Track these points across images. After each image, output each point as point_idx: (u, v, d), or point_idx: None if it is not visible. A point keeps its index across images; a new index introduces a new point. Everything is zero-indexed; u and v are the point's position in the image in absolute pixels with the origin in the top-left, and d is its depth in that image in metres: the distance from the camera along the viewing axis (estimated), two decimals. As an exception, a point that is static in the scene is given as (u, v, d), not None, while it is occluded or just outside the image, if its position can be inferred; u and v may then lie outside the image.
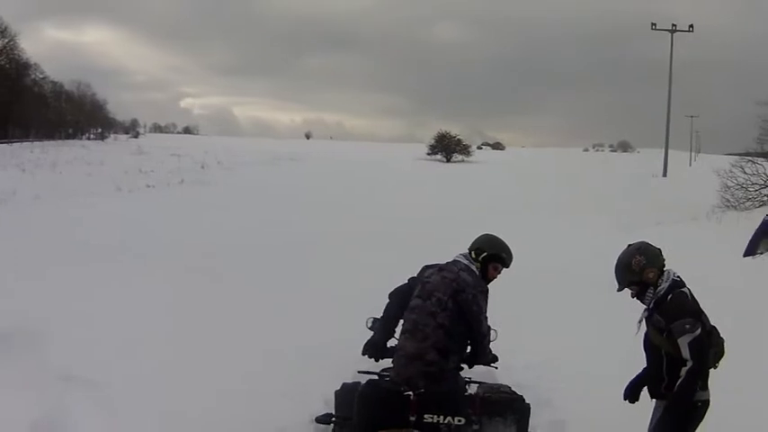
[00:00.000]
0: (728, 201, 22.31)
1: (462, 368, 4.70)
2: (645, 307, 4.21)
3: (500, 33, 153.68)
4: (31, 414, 5.28)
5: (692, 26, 53.20)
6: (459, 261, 4.64)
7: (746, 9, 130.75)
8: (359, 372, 5.05)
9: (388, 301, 4.76)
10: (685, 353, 3.85)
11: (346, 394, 4.98)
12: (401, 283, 4.78)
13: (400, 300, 4.64)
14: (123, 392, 6.01)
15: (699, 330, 3.90)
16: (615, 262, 4.29)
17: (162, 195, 27.04)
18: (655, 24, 53.09)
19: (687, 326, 3.89)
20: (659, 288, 4.12)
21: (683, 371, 3.86)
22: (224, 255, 14.23)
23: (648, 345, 4.16)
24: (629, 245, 4.29)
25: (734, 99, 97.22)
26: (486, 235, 4.87)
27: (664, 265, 4.18)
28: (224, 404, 6.06)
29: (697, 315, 3.99)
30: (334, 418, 5.09)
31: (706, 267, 10.33)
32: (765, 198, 21.99)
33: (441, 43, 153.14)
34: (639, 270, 4.14)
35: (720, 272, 10.09)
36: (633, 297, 4.25)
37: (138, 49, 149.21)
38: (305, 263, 13.65)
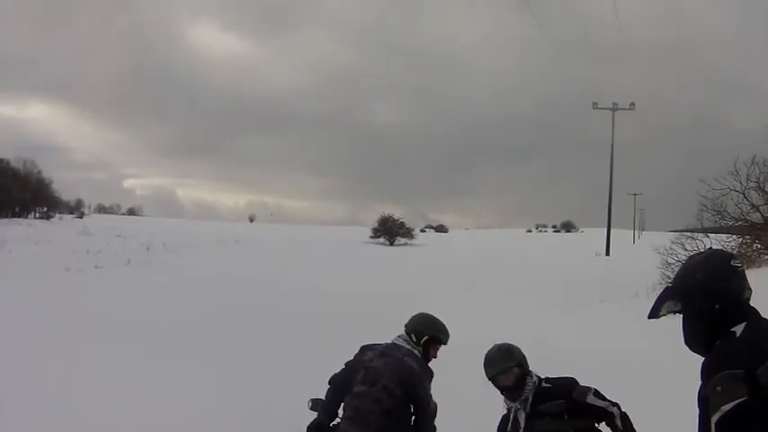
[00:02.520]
0: (669, 277, 20.95)
1: None
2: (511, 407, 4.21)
3: (439, 115, 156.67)
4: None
5: (633, 104, 53.29)
6: (401, 346, 4.61)
7: (687, 85, 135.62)
8: None
9: (328, 386, 4.76)
10: (602, 404, 3.99)
11: None
12: (339, 370, 4.76)
13: (340, 385, 4.63)
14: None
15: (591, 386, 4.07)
16: (486, 356, 4.27)
17: (110, 276, 27.67)
18: (596, 103, 53.29)
19: (583, 388, 4.05)
20: (533, 379, 4.19)
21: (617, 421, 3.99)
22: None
23: None
24: (494, 345, 4.35)
25: (677, 176, 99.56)
26: (423, 315, 4.83)
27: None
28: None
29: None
30: None
31: (639, 339, 11.55)
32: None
33: (379, 125, 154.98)
34: (521, 357, 4.23)
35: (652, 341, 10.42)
36: (503, 389, 4.21)
37: (81, 127, 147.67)
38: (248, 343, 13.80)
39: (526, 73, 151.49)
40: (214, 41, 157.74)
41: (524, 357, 4.24)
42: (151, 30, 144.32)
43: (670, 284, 2.76)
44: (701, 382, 2.45)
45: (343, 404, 4.58)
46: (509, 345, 4.29)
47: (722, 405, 2.28)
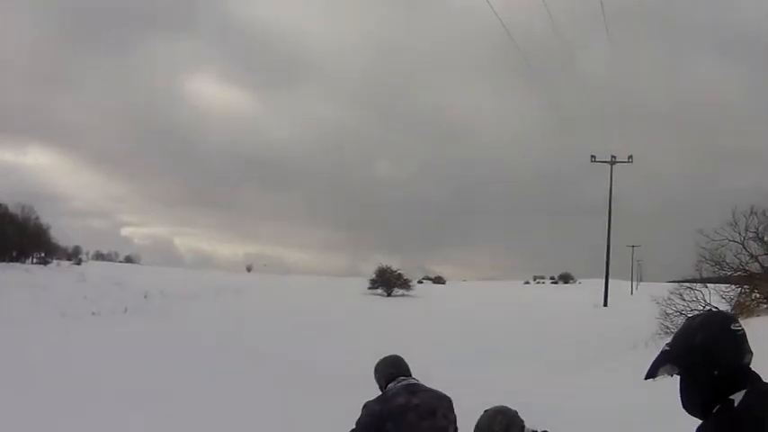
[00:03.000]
0: (668, 328, 21.83)
1: None
2: None
3: (438, 170, 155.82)
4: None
5: (631, 157, 53.67)
6: (418, 382, 4.52)
7: (682, 139, 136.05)
8: None
9: None
10: None
11: None
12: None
13: None
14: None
15: None
16: (481, 421, 4.13)
17: (107, 323, 27.51)
18: (594, 156, 53.89)
19: None
20: None
21: None
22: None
23: None
24: (486, 411, 4.15)
25: (676, 227, 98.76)
26: (399, 358, 4.75)
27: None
28: None
29: None
30: None
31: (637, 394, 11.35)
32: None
33: (378, 178, 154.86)
34: (501, 430, 4.09)
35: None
36: None
37: (80, 175, 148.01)
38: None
39: (525, 127, 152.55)
40: (215, 93, 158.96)
41: (507, 427, 4.02)
42: (152, 82, 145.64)
43: (668, 348, 2.67)
44: None
45: None
46: (489, 420, 4.06)
47: None
